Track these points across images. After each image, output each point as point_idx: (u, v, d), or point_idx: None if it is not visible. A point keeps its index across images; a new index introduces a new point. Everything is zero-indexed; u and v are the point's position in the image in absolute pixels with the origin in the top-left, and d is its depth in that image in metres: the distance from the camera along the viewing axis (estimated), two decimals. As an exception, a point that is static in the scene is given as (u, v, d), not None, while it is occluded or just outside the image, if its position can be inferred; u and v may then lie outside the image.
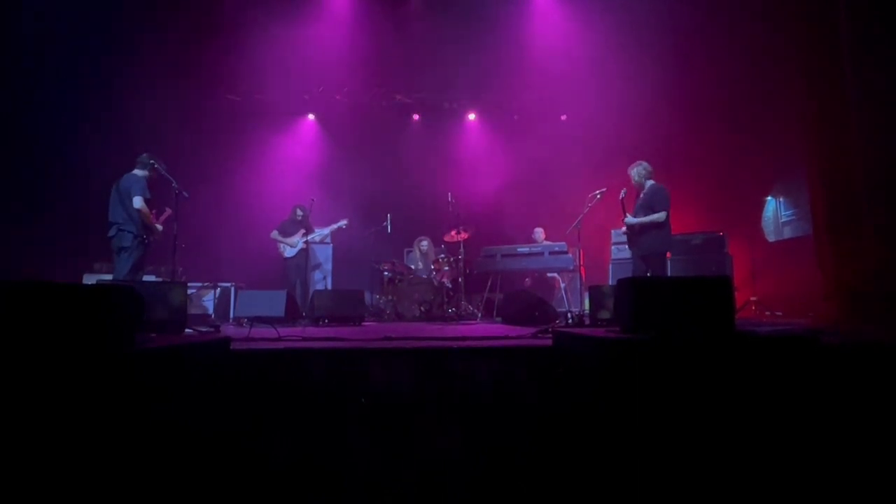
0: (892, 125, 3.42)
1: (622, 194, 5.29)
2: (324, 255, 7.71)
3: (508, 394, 2.39)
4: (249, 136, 8.31)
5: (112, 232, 4.76)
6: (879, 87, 3.47)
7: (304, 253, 6.56)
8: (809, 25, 4.10)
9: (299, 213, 6.92)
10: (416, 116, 8.95)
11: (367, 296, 6.92)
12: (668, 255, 5.58)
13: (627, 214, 5.16)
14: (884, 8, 3.51)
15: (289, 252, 6.93)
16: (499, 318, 5.99)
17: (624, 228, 5.34)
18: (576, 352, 2.31)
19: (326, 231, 7.34)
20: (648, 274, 5.03)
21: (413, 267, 7.17)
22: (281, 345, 2.67)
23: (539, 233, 7.68)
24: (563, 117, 8.99)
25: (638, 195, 5.24)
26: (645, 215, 5.02)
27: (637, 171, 5.22)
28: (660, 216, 4.93)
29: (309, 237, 6.69)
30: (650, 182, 5.17)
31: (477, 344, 2.74)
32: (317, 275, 7.56)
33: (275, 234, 6.99)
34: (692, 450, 1.75)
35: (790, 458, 1.76)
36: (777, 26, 5.63)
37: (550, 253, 6.71)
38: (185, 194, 4.96)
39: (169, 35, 6.76)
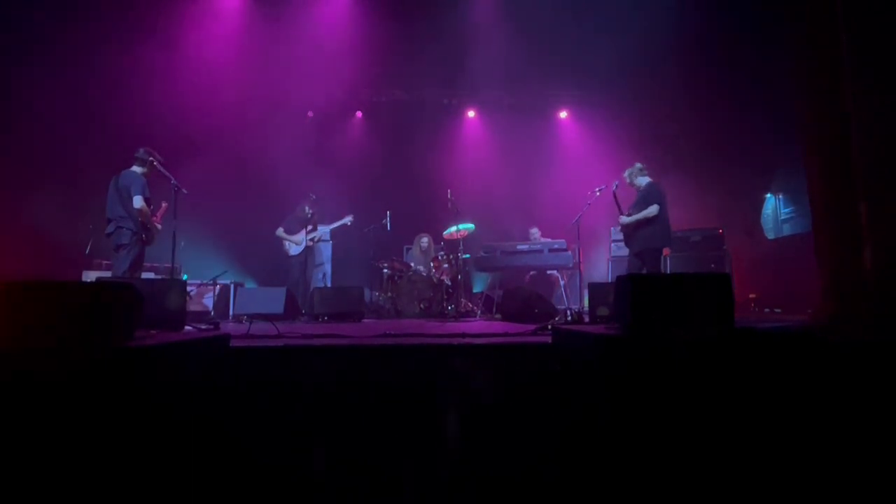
0: (891, 121, 3.42)
1: (615, 186, 5.35)
2: (324, 253, 7.70)
3: (507, 391, 2.39)
4: (249, 133, 8.29)
5: (110, 229, 4.73)
6: (878, 84, 3.46)
7: (309, 250, 6.54)
8: (810, 23, 4.10)
9: (307, 210, 6.90)
10: (415, 114, 8.93)
11: (366, 293, 6.92)
12: (666, 252, 5.58)
13: (623, 214, 5.17)
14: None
15: (294, 250, 6.91)
16: (498, 316, 5.99)
17: (620, 228, 5.37)
18: (575, 349, 2.32)
19: (329, 228, 7.32)
20: (644, 271, 5.02)
21: (412, 264, 7.17)
22: (280, 342, 2.67)
23: (535, 233, 7.66)
24: (563, 114, 9.00)
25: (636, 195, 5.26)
26: (640, 212, 5.04)
27: (630, 172, 5.30)
28: (651, 210, 4.95)
29: (312, 234, 6.67)
30: (645, 179, 5.21)
31: (476, 341, 2.74)
32: (316, 273, 7.56)
33: (280, 231, 6.97)
34: (692, 446, 1.75)
35: (789, 455, 1.76)
36: (776, 24, 5.62)
37: (550, 250, 6.71)
38: (184, 191, 4.95)
39: (170, 30, 6.74)
